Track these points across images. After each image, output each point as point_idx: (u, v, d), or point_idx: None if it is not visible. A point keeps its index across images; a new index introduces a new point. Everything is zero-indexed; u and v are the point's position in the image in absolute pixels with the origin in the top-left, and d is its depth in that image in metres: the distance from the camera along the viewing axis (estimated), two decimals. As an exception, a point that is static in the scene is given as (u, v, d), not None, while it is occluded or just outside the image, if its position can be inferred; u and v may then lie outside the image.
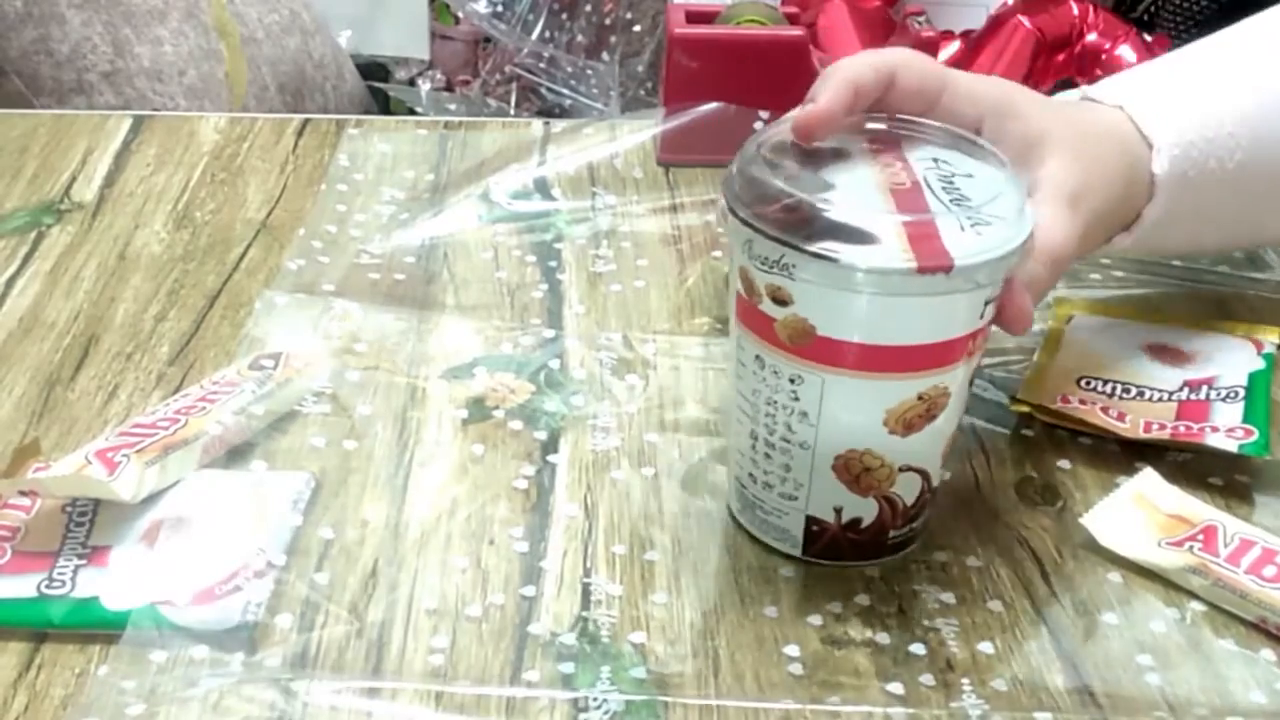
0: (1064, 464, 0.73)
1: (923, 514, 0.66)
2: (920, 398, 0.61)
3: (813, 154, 0.64)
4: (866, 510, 0.64)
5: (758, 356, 0.63)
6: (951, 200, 0.61)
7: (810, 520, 0.65)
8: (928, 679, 0.60)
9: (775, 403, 0.63)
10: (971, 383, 0.64)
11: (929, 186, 0.62)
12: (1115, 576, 0.66)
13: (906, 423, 0.62)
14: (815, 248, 0.58)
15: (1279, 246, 0.90)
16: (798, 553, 0.65)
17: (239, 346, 0.79)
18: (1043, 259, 0.65)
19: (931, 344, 0.60)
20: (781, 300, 0.60)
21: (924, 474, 0.64)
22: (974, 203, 0.61)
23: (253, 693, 0.58)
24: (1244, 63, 0.79)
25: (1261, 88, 0.77)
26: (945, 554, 0.67)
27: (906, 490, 0.64)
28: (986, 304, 0.61)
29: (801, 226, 0.59)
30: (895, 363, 0.60)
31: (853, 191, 0.61)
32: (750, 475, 0.66)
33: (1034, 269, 0.64)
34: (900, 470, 0.63)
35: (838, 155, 0.64)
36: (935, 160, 0.64)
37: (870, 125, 0.66)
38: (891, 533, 0.65)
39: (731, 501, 0.68)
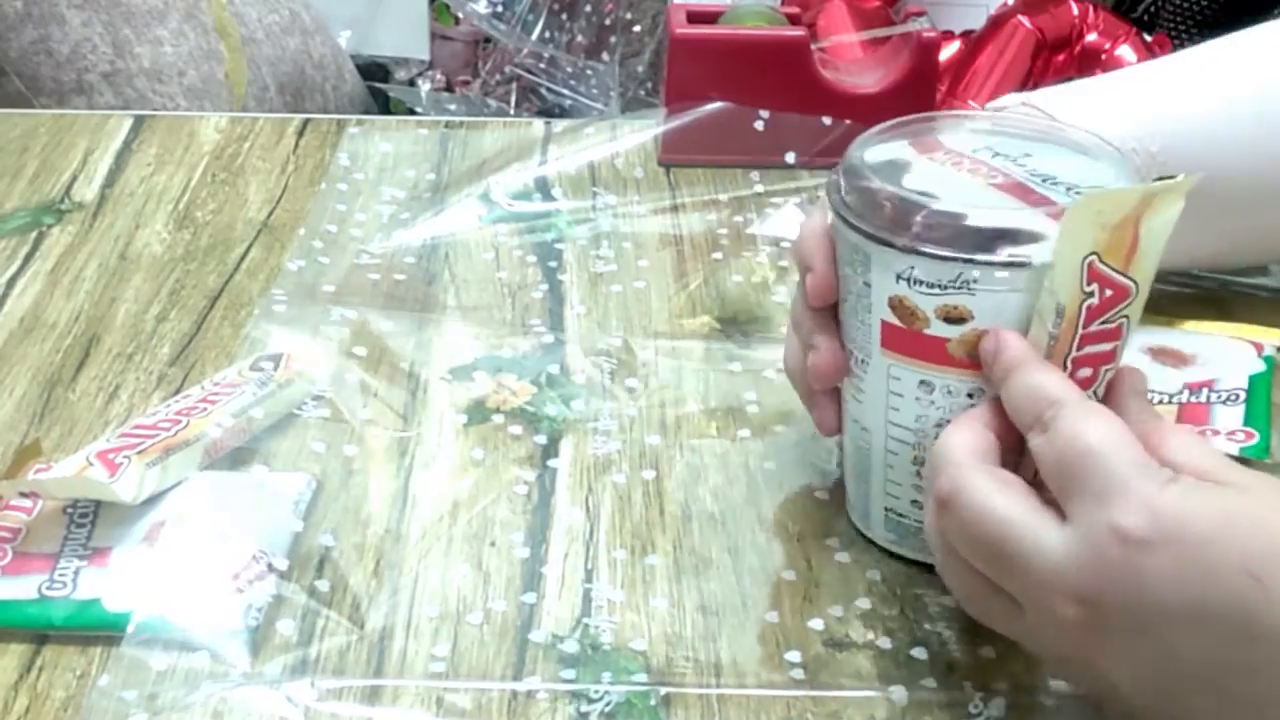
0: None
1: None
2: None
3: (881, 170, 0.62)
4: None
5: (923, 382, 0.61)
6: (1046, 181, 0.60)
7: None
8: (929, 682, 0.60)
9: (945, 424, 0.61)
10: None
11: (1016, 174, 0.61)
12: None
13: None
14: (1001, 256, 0.58)
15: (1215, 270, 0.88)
16: None
17: (240, 347, 0.79)
18: None
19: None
20: (958, 319, 0.59)
21: None
22: (1061, 179, 0.60)
23: (254, 699, 0.57)
24: (1180, 83, 0.79)
25: (1186, 113, 0.77)
26: (947, 556, 0.66)
27: None
28: None
29: (965, 240, 0.58)
30: None
31: (966, 195, 0.60)
32: (914, 502, 0.64)
33: None
34: None
35: (899, 167, 0.62)
36: (990, 150, 0.63)
37: (899, 128, 0.65)
38: None
39: (879, 533, 0.66)
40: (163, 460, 0.67)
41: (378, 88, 1.78)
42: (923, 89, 1.03)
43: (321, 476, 0.70)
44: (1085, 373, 0.57)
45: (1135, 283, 0.56)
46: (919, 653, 0.61)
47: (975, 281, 0.58)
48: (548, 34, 1.85)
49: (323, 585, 0.63)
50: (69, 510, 0.66)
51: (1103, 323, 0.56)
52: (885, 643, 0.62)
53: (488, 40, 1.89)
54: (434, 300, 0.85)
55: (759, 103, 1.01)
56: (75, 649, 0.60)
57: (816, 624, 0.62)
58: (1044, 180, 0.61)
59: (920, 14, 1.03)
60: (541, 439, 0.73)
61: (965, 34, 1.75)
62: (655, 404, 0.76)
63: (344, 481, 0.70)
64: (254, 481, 0.69)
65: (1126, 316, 0.57)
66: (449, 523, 0.68)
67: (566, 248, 0.91)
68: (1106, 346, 0.57)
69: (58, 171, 0.99)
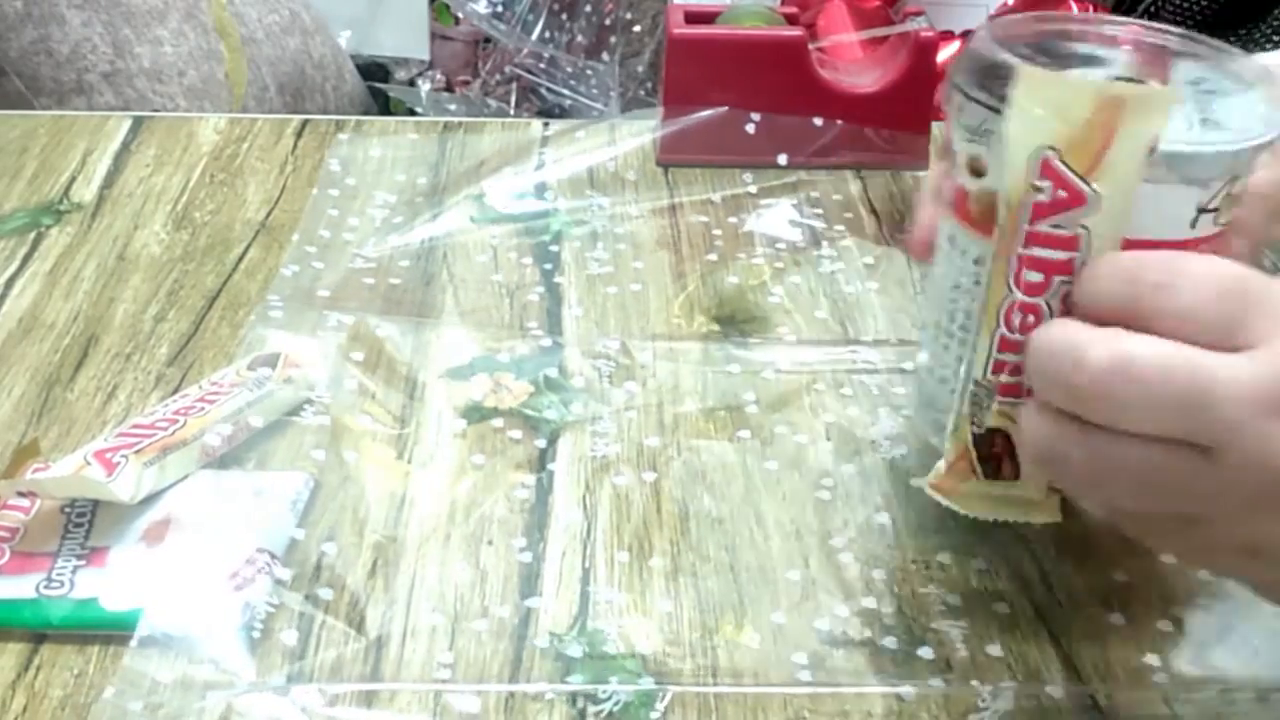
0: (1064, 466, 0.73)
1: None
2: None
3: (1064, 57, 0.59)
4: None
5: (951, 235, 0.60)
6: (1194, 107, 0.56)
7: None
8: (931, 681, 0.60)
9: (959, 287, 0.59)
10: None
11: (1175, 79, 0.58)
12: (1120, 576, 0.66)
13: None
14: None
15: None
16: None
17: (238, 348, 0.79)
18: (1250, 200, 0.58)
19: (1127, 239, 0.54)
20: (978, 171, 0.57)
21: None
22: (1215, 111, 0.56)
23: (258, 705, 0.57)
24: None
25: None
26: (947, 555, 0.66)
27: None
28: (1200, 212, 0.55)
29: (998, 88, 0.54)
30: None
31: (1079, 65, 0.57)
32: (929, 368, 0.63)
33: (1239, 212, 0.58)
34: None
35: (1090, 60, 0.59)
36: (1198, 80, 0.59)
37: (1146, 38, 0.61)
38: None
39: (915, 398, 0.64)
40: (160, 460, 0.67)
41: (378, 88, 1.78)
42: (921, 89, 1.03)
43: (319, 477, 0.70)
44: (1035, 277, 0.54)
45: (1097, 193, 0.52)
46: (920, 652, 0.61)
47: (991, 134, 0.55)
48: (548, 34, 1.85)
49: (320, 588, 0.63)
50: (67, 510, 0.66)
51: (1053, 226, 0.53)
52: (887, 641, 0.62)
53: (488, 40, 1.90)
54: (431, 302, 0.85)
55: (757, 102, 1.01)
56: (73, 648, 0.60)
57: (818, 623, 0.62)
58: (1196, 105, 0.56)
59: (918, 14, 1.03)
60: (540, 441, 0.73)
61: (965, 34, 1.75)
62: (653, 405, 0.76)
63: (342, 483, 0.70)
64: (251, 481, 0.69)
65: (1085, 228, 0.52)
66: (447, 524, 0.68)
67: (563, 249, 0.91)
68: (1060, 255, 0.53)
69: (56, 172, 0.99)
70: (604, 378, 0.78)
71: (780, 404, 0.76)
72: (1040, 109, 0.52)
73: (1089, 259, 0.53)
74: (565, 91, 1.81)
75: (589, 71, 1.81)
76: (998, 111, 0.54)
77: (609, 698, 0.58)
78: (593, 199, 0.97)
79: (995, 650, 0.61)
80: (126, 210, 0.94)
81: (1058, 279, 0.53)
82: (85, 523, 0.65)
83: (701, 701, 0.58)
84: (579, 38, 1.85)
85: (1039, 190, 0.52)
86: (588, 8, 1.85)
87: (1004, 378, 0.55)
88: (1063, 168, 0.52)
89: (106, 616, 0.61)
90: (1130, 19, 0.62)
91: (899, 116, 1.01)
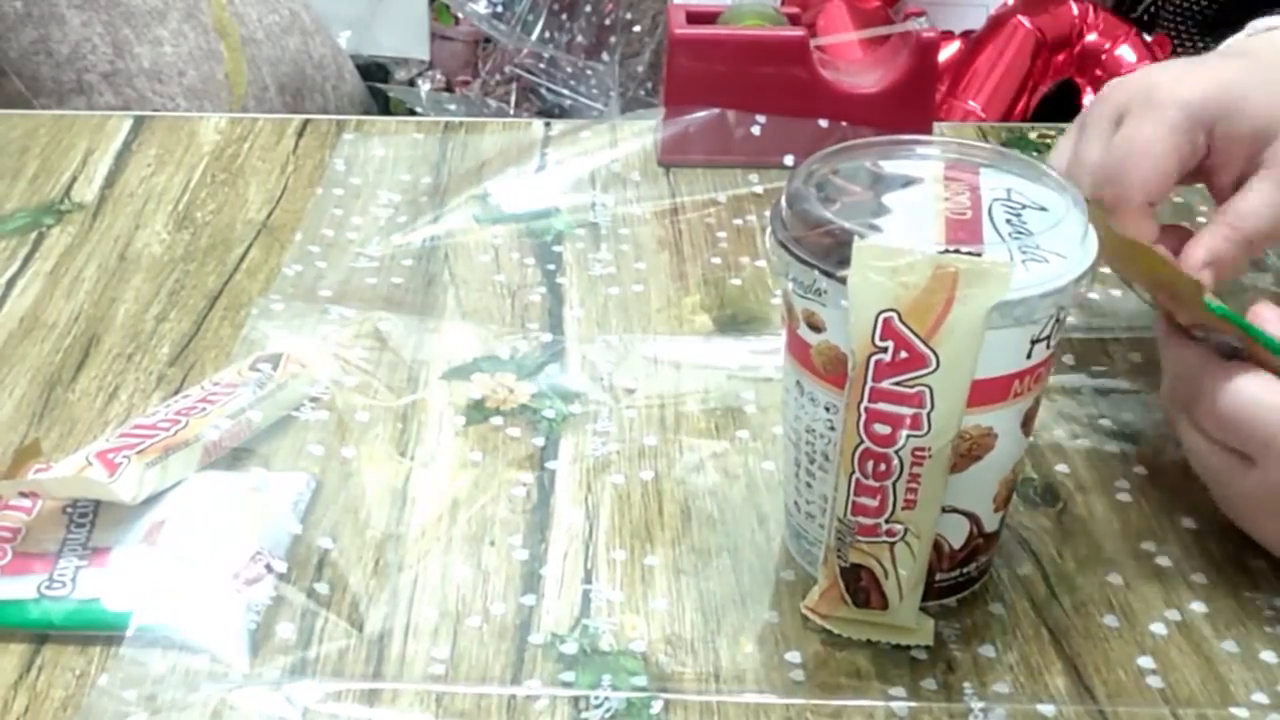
0: (1063, 466, 0.73)
1: (977, 559, 0.63)
2: (961, 436, 0.57)
3: (881, 179, 0.62)
4: None
5: (798, 382, 0.61)
6: (1011, 233, 0.58)
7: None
8: (929, 682, 0.60)
9: (814, 431, 0.61)
10: (1028, 427, 0.61)
11: (991, 218, 0.59)
12: (1116, 578, 0.66)
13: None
14: (845, 273, 0.55)
15: None
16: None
17: (239, 348, 0.79)
18: (1228, 229, 0.67)
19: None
20: (816, 326, 0.58)
21: (972, 517, 0.61)
22: (1034, 237, 0.58)
23: (252, 700, 0.57)
24: None
25: None
26: (945, 556, 0.67)
27: (952, 533, 0.61)
28: (1034, 343, 0.58)
29: (836, 252, 0.56)
30: None
31: (905, 220, 0.59)
32: (795, 503, 0.64)
33: (1217, 240, 0.67)
34: (944, 511, 0.59)
35: (907, 183, 0.62)
36: (1009, 191, 0.61)
37: (949, 154, 0.63)
38: (938, 575, 0.62)
39: (785, 528, 0.67)
40: (162, 460, 0.67)
41: (378, 88, 1.78)
42: (922, 89, 1.03)
43: (320, 477, 0.70)
44: (883, 430, 0.56)
45: (936, 356, 0.54)
46: (919, 652, 0.61)
47: (825, 293, 0.57)
48: (548, 34, 1.85)
49: (321, 586, 0.63)
50: (68, 510, 0.66)
51: (896, 383, 0.55)
52: (885, 642, 0.62)
53: (488, 40, 1.89)
54: (433, 302, 0.85)
55: (758, 103, 1.01)
56: (74, 649, 0.60)
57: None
58: (1015, 234, 0.58)
59: (919, 14, 1.03)
60: (540, 440, 0.73)
61: (965, 34, 1.75)
62: (654, 404, 0.76)
63: (343, 482, 0.70)
64: (253, 482, 0.69)
65: (928, 387, 0.54)
66: (448, 523, 0.68)
67: (565, 249, 0.91)
68: (905, 411, 0.55)
69: (58, 172, 0.99)
70: (604, 375, 0.78)
71: (779, 404, 0.76)
72: (878, 276, 0.54)
73: (938, 412, 0.55)
74: (565, 91, 1.81)
75: (589, 71, 1.81)
76: (828, 274, 0.57)
77: (601, 703, 0.58)
78: (595, 199, 0.97)
79: (993, 651, 0.61)
80: (128, 210, 0.94)
81: (904, 432, 0.56)
82: (87, 523, 0.65)
83: (703, 703, 0.58)
84: (579, 38, 1.85)
85: (881, 350, 0.54)
86: (588, 8, 1.85)
87: (861, 519, 0.58)
88: (904, 329, 0.54)
89: (108, 617, 0.61)
90: (941, 137, 0.64)
91: (900, 117, 1.01)
